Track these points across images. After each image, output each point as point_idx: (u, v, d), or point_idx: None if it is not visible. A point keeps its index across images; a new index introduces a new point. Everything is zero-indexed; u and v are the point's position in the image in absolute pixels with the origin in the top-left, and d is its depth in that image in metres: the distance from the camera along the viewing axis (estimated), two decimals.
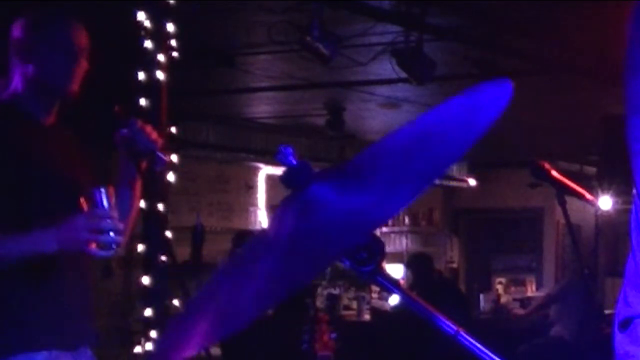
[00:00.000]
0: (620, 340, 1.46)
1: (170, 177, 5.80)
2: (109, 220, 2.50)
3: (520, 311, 10.69)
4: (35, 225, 2.60)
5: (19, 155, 2.66)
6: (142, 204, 5.63)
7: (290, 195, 1.33)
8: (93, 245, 2.49)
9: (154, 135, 2.78)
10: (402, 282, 9.61)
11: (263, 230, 1.43)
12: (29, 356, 2.63)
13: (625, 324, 1.45)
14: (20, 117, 2.72)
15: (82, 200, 2.54)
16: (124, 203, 2.81)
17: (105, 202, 2.50)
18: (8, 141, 2.66)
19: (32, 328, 2.65)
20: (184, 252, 9.05)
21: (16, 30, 2.76)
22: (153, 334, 5.69)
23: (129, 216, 2.88)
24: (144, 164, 2.83)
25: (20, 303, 2.65)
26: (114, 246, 2.52)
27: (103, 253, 2.51)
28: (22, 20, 2.77)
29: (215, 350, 8.47)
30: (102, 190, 2.52)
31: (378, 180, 1.32)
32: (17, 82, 2.74)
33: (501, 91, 1.27)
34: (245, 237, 7.99)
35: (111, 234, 2.50)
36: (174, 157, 5.86)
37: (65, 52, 2.72)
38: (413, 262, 9.58)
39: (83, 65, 2.76)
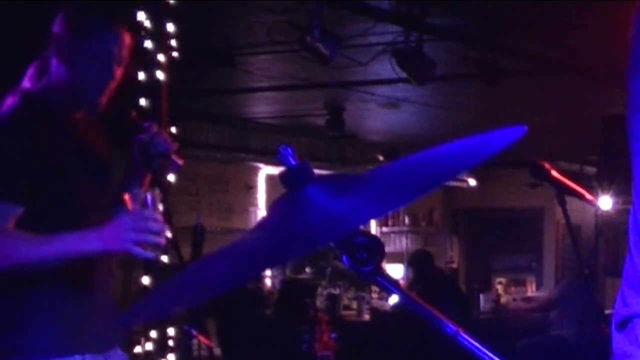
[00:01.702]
0: (619, 340, 1.46)
1: (170, 177, 5.80)
2: (156, 223, 2.52)
3: (521, 305, 10.71)
4: (70, 209, 2.62)
5: (46, 150, 2.62)
6: None
7: (287, 193, 1.38)
8: (138, 246, 2.51)
9: (169, 140, 2.78)
10: (401, 282, 9.63)
11: (259, 221, 1.51)
12: None
13: (623, 324, 1.45)
14: (48, 111, 2.68)
15: (126, 199, 2.58)
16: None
17: (153, 205, 2.55)
18: (35, 136, 2.61)
19: (65, 332, 2.64)
20: (184, 252, 9.04)
21: (57, 26, 2.70)
22: (153, 334, 5.69)
23: None
24: (157, 168, 2.84)
25: (53, 307, 2.64)
26: (158, 249, 2.55)
27: (147, 254, 2.53)
28: (66, 17, 2.71)
29: (215, 350, 8.47)
30: (152, 192, 2.58)
31: (370, 189, 1.38)
32: (52, 74, 2.70)
33: (514, 131, 1.34)
34: None
35: (157, 236, 2.52)
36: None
37: (102, 67, 2.67)
38: (414, 259, 9.60)
39: (117, 76, 2.72)
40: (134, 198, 2.57)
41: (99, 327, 2.71)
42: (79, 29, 2.69)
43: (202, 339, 5.44)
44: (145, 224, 2.51)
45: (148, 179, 2.87)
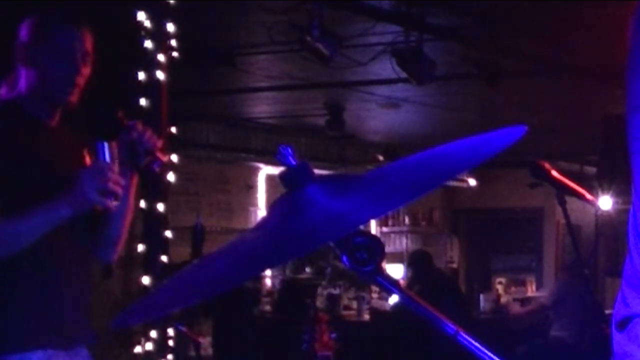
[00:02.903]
0: (619, 340, 1.46)
1: (170, 177, 5.80)
2: (110, 171, 2.59)
3: (518, 308, 10.70)
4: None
5: (20, 155, 2.67)
6: (142, 204, 5.64)
7: (287, 193, 1.38)
8: (104, 198, 2.59)
9: (154, 137, 2.80)
10: (401, 282, 9.63)
11: (259, 221, 1.50)
12: (25, 356, 2.63)
13: (624, 324, 1.45)
14: (23, 117, 2.73)
15: (85, 154, 2.66)
16: (122, 203, 2.83)
17: (107, 155, 2.63)
18: (10, 139, 2.67)
19: (28, 327, 2.66)
20: (184, 252, 9.07)
21: (22, 33, 2.76)
22: (153, 334, 5.69)
23: (127, 216, 2.90)
24: (143, 165, 2.84)
25: (16, 301, 2.66)
26: (116, 197, 2.62)
27: (109, 203, 2.61)
28: (28, 23, 2.76)
29: (210, 350, 8.47)
30: (104, 143, 2.63)
31: (370, 189, 1.38)
32: (22, 83, 2.76)
33: (514, 131, 1.34)
34: None
35: (113, 184, 2.60)
36: (174, 157, 5.86)
37: (67, 62, 2.72)
38: (413, 259, 9.60)
39: (85, 73, 2.76)
40: (91, 152, 2.68)
41: (64, 324, 2.72)
42: (41, 30, 2.75)
43: (191, 334, 5.44)
44: (101, 173, 2.58)
45: (135, 176, 2.88)
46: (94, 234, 2.87)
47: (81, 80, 2.75)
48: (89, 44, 2.76)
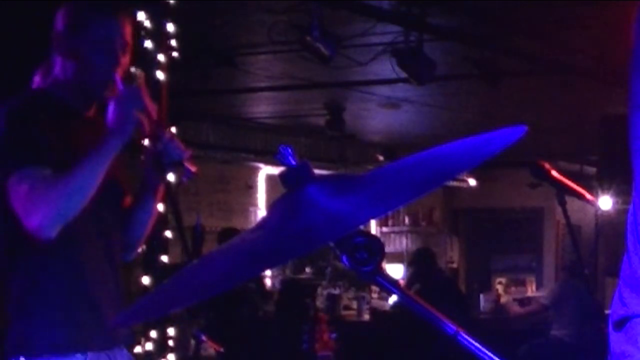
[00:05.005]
0: (616, 340, 1.46)
1: (170, 177, 5.79)
2: (141, 99, 2.63)
3: (518, 309, 10.71)
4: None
5: (56, 144, 2.59)
6: None
7: (287, 193, 1.39)
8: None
9: (182, 147, 2.76)
10: (401, 282, 9.64)
11: (259, 221, 1.50)
12: (67, 358, 2.60)
13: (621, 324, 1.45)
14: (57, 107, 2.67)
15: (117, 81, 2.67)
16: (146, 211, 2.82)
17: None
18: (47, 127, 2.59)
19: (66, 330, 2.62)
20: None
21: (58, 23, 2.70)
22: (153, 334, 5.69)
23: (150, 221, 2.89)
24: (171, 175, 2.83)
25: (54, 304, 2.62)
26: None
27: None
28: (64, 13, 2.70)
29: (210, 351, 8.46)
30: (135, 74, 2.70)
31: (370, 189, 1.38)
32: (58, 72, 2.70)
33: (514, 131, 1.35)
34: (231, 235, 8.00)
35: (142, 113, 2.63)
36: None
37: (106, 55, 2.66)
38: (415, 257, 9.62)
39: (124, 63, 2.72)
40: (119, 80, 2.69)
41: (102, 325, 2.67)
42: (79, 21, 2.69)
43: (212, 344, 5.43)
44: (136, 94, 2.63)
45: (162, 188, 2.85)
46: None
47: (120, 72, 2.70)
48: (128, 33, 2.71)
